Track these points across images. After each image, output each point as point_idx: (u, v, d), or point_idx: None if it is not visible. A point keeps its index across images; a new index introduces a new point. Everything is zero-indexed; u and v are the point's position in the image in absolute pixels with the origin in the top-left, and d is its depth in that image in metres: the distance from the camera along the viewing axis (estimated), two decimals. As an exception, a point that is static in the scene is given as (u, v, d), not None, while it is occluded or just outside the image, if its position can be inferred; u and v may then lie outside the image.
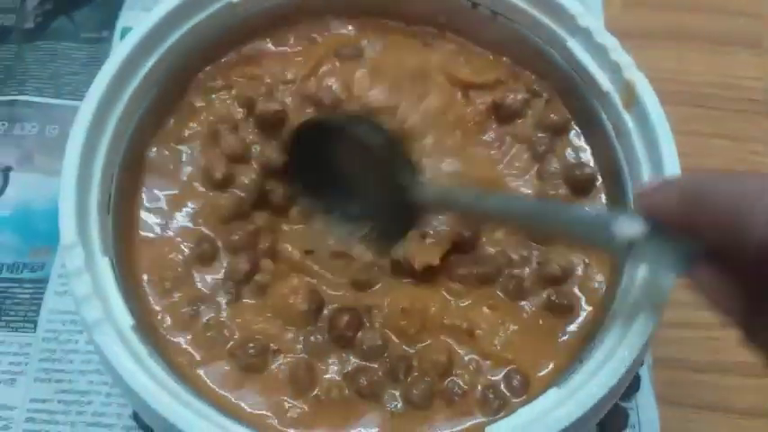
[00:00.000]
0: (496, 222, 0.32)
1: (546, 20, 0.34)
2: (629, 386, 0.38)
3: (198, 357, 0.30)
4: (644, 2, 0.53)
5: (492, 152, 0.35)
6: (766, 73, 0.50)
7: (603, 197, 0.33)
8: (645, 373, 0.39)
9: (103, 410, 0.38)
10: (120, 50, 0.32)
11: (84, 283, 0.27)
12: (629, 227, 0.24)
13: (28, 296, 0.42)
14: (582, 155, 0.34)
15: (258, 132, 0.34)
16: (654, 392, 0.39)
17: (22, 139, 0.47)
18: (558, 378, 0.28)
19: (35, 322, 0.41)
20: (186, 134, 0.35)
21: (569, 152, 0.34)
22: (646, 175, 0.30)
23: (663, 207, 0.23)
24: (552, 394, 0.25)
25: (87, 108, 0.31)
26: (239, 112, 0.35)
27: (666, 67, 0.51)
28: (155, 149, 0.34)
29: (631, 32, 0.52)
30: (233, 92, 0.36)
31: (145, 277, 0.32)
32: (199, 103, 0.36)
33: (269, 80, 0.36)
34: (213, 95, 0.36)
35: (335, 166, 0.33)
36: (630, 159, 0.31)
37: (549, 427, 0.24)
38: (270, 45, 0.37)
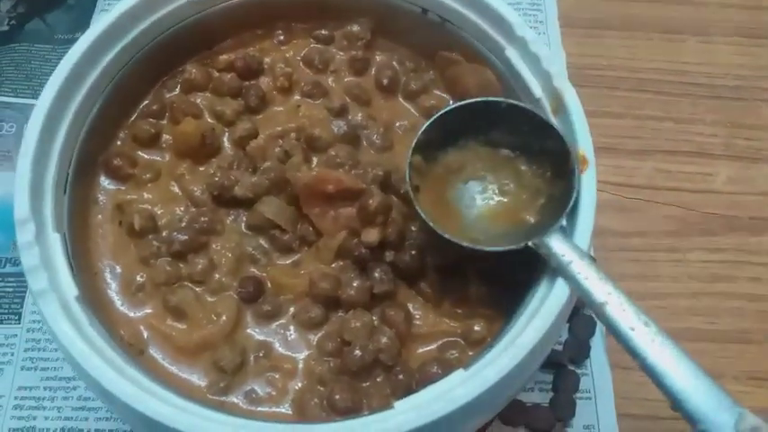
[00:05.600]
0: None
1: (488, 28, 0.35)
2: (580, 354, 0.41)
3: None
4: (596, -8, 0.56)
5: None
6: (711, 59, 0.53)
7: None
8: (599, 341, 0.42)
9: (88, 395, 0.40)
10: (86, 35, 0.34)
11: (33, 256, 0.29)
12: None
13: (11, 289, 0.44)
14: None
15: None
16: (608, 359, 0.41)
17: (0, 138, 0.48)
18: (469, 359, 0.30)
19: (20, 314, 0.43)
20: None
21: None
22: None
23: None
24: (457, 375, 0.27)
25: (49, 92, 0.32)
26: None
27: (618, 54, 0.53)
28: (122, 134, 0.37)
29: (585, 23, 0.55)
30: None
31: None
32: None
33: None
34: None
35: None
36: None
37: (450, 404, 0.26)
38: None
